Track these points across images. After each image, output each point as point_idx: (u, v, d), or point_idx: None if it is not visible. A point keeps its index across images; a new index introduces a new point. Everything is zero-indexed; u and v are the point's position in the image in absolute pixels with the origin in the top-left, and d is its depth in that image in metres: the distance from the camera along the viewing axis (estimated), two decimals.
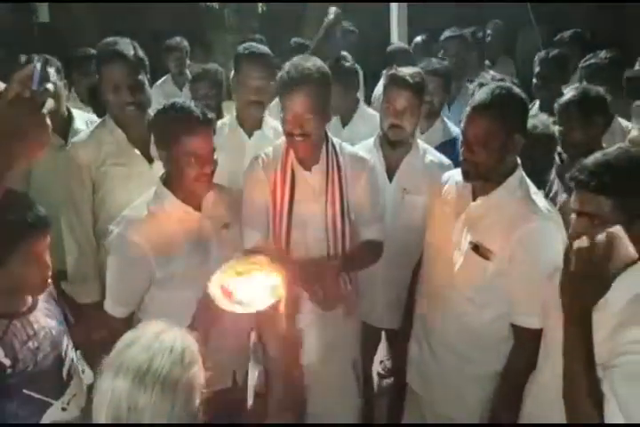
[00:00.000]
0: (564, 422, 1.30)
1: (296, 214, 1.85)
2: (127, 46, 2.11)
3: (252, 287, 1.49)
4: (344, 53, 3.15)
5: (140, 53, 2.14)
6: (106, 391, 1.03)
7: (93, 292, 2.08)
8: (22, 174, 2.28)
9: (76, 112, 2.61)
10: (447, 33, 3.89)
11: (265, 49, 2.43)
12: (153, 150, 2.15)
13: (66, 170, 2.12)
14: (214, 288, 1.49)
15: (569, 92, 2.33)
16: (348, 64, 3.01)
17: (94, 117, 2.66)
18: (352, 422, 2.03)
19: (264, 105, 2.38)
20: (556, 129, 2.17)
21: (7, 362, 1.34)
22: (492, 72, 3.87)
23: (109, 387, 1.03)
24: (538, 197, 1.68)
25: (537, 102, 3.25)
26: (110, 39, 2.13)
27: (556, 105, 2.34)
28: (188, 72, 4.29)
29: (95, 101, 3.19)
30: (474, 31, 4.34)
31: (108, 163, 2.11)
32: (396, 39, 4.49)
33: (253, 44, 2.50)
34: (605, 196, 1.29)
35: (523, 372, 1.59)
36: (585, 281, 1.16)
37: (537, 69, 3.32)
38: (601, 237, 1.16)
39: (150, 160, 2.15)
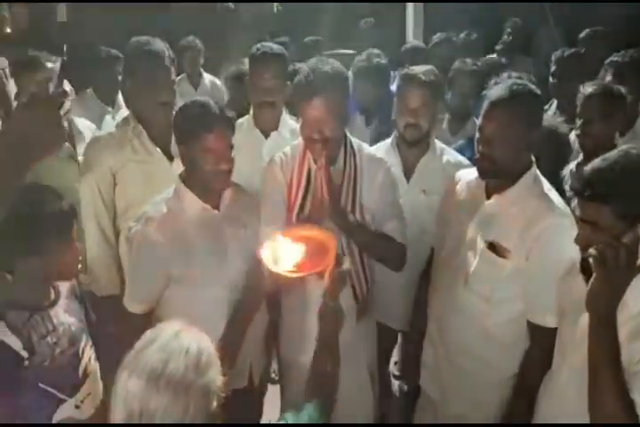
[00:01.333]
0: (582, 422, 1.30)
1: (307, 216, 1.83)
2: (161, 46, 2.14)
3: (302, 252, 1.48)
4: (376, 51, 3.13)
5: (172, 53, 2.17)
6: (121, 391, 1.03)
7: (112, 285, 2.12)
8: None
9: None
10: (435, 38, 3.89)
11: (279, 49, 2.41)
12: (174, 148, 2.19)
13: (89, 166, 2.15)
14: (265, 252, 1.49)
15: (591, 86, 2.32)
16: (377, 60, 3.00)
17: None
18: (367, 422, 2.03)
19: (279, 106, 2.39)
20: (565, 128, 2.16)
21: (24, 354, 1.37)
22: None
23: (124, 387, 1.03)
24: (552, 193, 1.67)
25: (554, 102, 3.24)
26: (142, 38, 2.14)
27: (577, 100, 2.33)
28: (202, 72, 4.34)
29: (110, 99, 3.26)
30: (468, 33, 4.32)
31: (129, 160, 2.14)
32: (412, 38, 4.48)
33: (267, 43, 2.49)
34: (603, 204, 1.28)
35: (539, 371, 1.57)
36: (613, 283, 1.18)
37: (553, 68, 3.31)
38: (626, 239, 1.19)
39: (171, 158, 2.17)
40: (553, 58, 3.34)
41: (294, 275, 1.45)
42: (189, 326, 1.12)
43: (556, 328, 1.54)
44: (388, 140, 2.29)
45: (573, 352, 1.44)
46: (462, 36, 4.26)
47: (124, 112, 3.01)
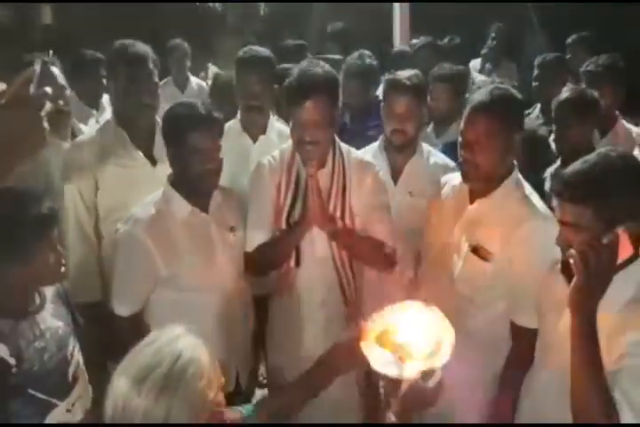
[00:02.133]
0: (563, 421, 1.33)
1: (298, 217, 1.84)
2: (144, 48, 2.14)
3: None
4: (365, 51, 3.15)
5: (155, 56, 2.17)
6: (111, 389, 1.06)
7: (94, 290, 2.10)
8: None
9: None
10: (418, 42, 3.93)
11: (265, 52, 2.44)
12: (156, 152, 2.19)
13: (68, 169, 2.13)
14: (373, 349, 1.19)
15: (565, 93, 2.40)
16: (369, 61, 3.02)
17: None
18: (353, 419, 2.04)
19: (266, 109, 2.40)
20: (544, 131, 2.21)
21: (12, 361, 1.36)
22: (480, 76, 3.91)
23: (115, 383, 1.06)
24: (534, 196, 1.71)
25: (538, 105, 3.29)
26: (127, 41, 2.15)
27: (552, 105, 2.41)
28: (189, 74, 4.33)
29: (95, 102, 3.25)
30: (451, 38, 4.37)
31: (112, 164, 2.13)
32: (398, 41, 4.50)
33: (254, 47, 2.51)
34: (583, 205, 1.31)
35: (520, 371, 1.61)
36: (595, 282, 1.20)
37: (535, 73, 3.38)
38: (606, 240, 1.20)
39: (154, 162, 2.17)
40: (536, 62, 3.41)
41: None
42: (189, 333, 1.12)
43: (536, 329, 1.57)
44: (376, 144, 2.31)
45: (554, 351, 1.48)
46: (446, 40, 4.31)
47: (109, 115, 3.04)
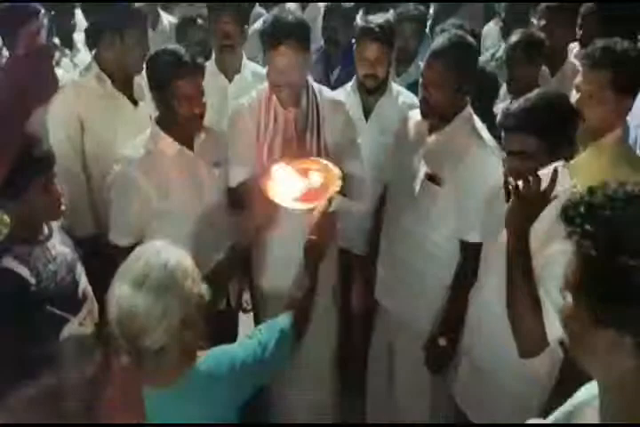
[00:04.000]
0: (502, 324, 1.55)
1: (277, 154, 2.00)
2: (141, 7, 2.28)
3: (303, 186, 1.52)
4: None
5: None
6: (113, 296, 1.21)
7: (87, 225, 2.25)
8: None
9: None
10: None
11: None
12: (137, 93, 2.30)
13: (55, 113, 2.20)
14: (267, 181, 1.52)
15: (514, 35, 2.56)
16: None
17: None
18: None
19: (238, 49, 2.51)
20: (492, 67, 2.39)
21: (32, 280, 1.55)
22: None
23: (116, 292, 1.21)
24: (483, 131, 1.92)
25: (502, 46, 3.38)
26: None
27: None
28: (160, 11, 4.26)
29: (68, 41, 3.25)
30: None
31: (94, 105, 2.24)
32: None
33: None
34: (526, 133, 1.51)
35: (467, 281, 1.85)
36: (531, 208, 1.38)
37: (502, 15, 3.47)
38: (547, 171, 1.39)
39: (135, 102, 2.29)
40: (500, 4, 3.49)
41: (293, 207, 1.50)
42: (170, 245, 1.30)
43: (481, 244, 1.81)
44: (349, 85, 2.46)
45: (495, 269, 1.68)
46: None
47: (84, 55, 3.04)
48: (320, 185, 1.54)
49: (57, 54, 1.28)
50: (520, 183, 1.41)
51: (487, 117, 2.02)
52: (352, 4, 3.05)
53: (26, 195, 1.52)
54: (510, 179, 1.46)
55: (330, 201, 1.48)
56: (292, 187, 1.55)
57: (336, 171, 1.60)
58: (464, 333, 1.87)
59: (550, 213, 1.37)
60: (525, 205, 1.40)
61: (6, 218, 1.67)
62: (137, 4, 2.26)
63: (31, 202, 1.53)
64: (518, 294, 1.41)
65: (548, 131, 1.51)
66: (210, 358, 1.32)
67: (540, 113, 1.53)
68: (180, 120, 1.88)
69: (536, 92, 1.59)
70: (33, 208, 1.55)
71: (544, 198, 1.40)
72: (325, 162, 1.63)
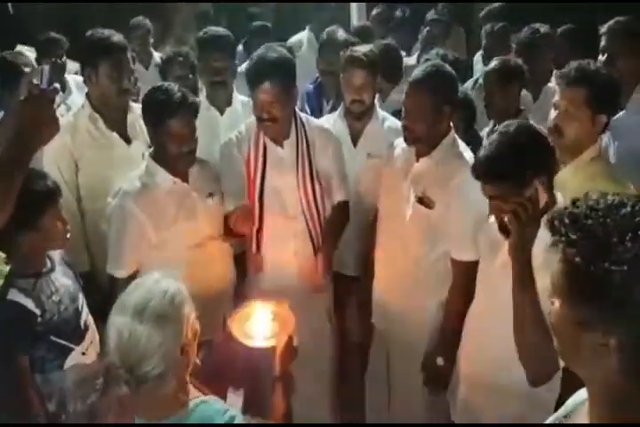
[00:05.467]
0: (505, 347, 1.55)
1: (269, 185, 2.10)
2: (121, 38, 2.30)
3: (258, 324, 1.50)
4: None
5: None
6: (113, 326, 1.23)
7: (83, 263, 2.27)
8: None
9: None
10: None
11: (224, 31, 2.65)
12: (130, 132, 2.38)
13: (50, 152, 2.22)
14: (234, 327, 1.51)
15: (492, 62, 2.66)
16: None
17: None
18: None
19: (230, 84, 2.61)
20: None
21: (37, 312, 1.61)
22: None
23: (116, 322, 1.23)
24: (467, 153, 2.00)
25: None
26: (102, 31, 2.30)
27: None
28: (152, 51, 4.43)
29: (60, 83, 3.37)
30: (402, 9, 4.55)
31: (87, 145, 2.30)
32: (356, 18, 4.62)
33: (212, 27, 2.71)
34: (501, 181, 1.54)
35: (461, 298, 1.89)
36: (528, 231, 1.38)
37: (483, 42, 3.62)
38: (528, 193, 1.44)
39: (128, 141, 2.36)
40: (483, 32, 3.63)
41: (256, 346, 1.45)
42: (166, 275, 1.33)
43: (473, 262, 1.86)
44: (336, 112, 2.57)
45: (487, 288, 1.76)
46: (397, 13, 4.50)
47: (76, 97, 3.13)
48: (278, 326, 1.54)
49: (57, 98, 1.36)
50: (512, 213, 1.41)
51: (467, 141, 2.11)
52: (344, 38, 3.18)
53: (40, 223, 1.63)
54: (507, 217, 1.44)
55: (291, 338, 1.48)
56: (260, 328, 1.54)
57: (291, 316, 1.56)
58: (460, 353, 1.90)
59: (544, 239, 1.37)
60: (525, 229, 1.38)
61: (2, 268, 1.75)
62: (114, 39, 2.27)
63: (44, 230, 1.64)
64: (528, 322, 1.36)
65: (516, 172, 1.52)
66: (204, 406, 1.30)
67: (502, 159, 1.54)
68: (172, 157, 1.96)
69: (497, 132, 1.62)
70: (46, 236, 1.66)
71: (537, 217, 1.39)
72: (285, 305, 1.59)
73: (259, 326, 1.48)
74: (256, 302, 1.57)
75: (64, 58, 3.45)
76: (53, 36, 3.37)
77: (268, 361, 1.42)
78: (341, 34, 3.15)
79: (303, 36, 4.19)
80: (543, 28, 3.06)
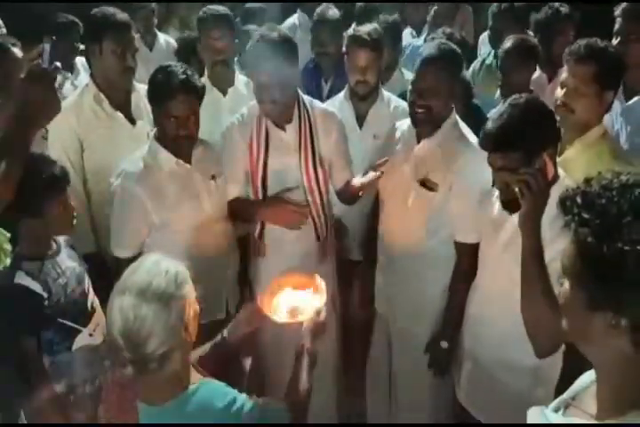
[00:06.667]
0: (501, 319, 1.57)
1: (272, 169, 2.08)
2: (126, 16, 2.28)
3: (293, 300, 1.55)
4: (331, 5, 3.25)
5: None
6: (116, 307, 1.21)
7: (89, 244, 2.30)
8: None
9: None
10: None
11: (225, 10, 2.60)
12: (135, 112, 2.36)
13: (56, 133, 2.24)
14: (266, 301, 1.57)
15: (507, 41, 2.62)
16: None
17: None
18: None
19: (230, 63, 2.59)
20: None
21: (44, 294, 1.63)
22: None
23: (119, 304, 1.21)
24: (470, 134, 1.98)
25: (492, 52, 3.38)
26: (107, 8, 2.28)
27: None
28: (157, 31, 4.38)
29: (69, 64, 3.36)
30: None
31: (93, 125, 2.29)
32: None
33: (212, 6, 2.65)
34: (510, 151, 1.54)
35: (465, 282, 1.90)
36: (539, 202, 1.37)
37: (490, 22, 3.54)
38: (537, 164, 1.44)
39: (132, 121, 2.35)
40: (490, 12, 3.52)
41: (284, 321, 1.52)
42: (165, 256, 1.33)
43: (476, 244, 1.86)
44: (341, 94, 2.53)
45: (490, 266, 1.76)
46: None
47: (84, 77, 3.10)
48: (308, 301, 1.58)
49: (59, 78, 1.34)
50: (521, 183, 1.39)
51: (467, 121, 2.08)
52: (337, 16, 3.12)
53: (46, 210, 1.64)
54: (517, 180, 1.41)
55: (318, 313, 1.50)
56: (285, 302, 1.58)
57: (322, 286, 1.60)
58: (464, 333, 1.91)
59: (549, 211, 1.34)
60: (537, 200, 1.37)
61: (7, 246, 1.77)
62: (119, 17, 2.26)
63: (50, 216, 1.65)
64: (536, 295, 1.34)
65: (527, 143, 1.53)
66: (205, 388, 1.30)
67: (514, 129, 1.54)
68: (170, 138, 1.94)
69: (507, 103, 1.61)
70: (51, 222, 1.66)
71: (546, 188, 1.39)
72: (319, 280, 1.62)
73: (294, 300, 1.51)
74: (288, 277, 1.60)
75: (78, 42, 3.40)
76: (71, 18, 3.33)
77: (297, 336, 1.45)
78: (333, 12, 3.09)
79: (294, 18, 4.09)
80: (564, 8, 3.00)
